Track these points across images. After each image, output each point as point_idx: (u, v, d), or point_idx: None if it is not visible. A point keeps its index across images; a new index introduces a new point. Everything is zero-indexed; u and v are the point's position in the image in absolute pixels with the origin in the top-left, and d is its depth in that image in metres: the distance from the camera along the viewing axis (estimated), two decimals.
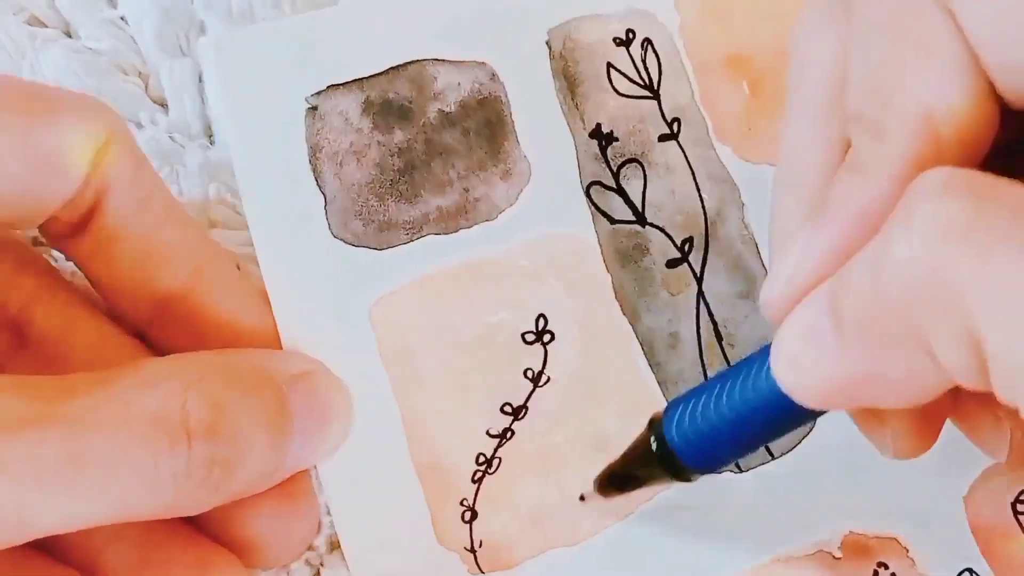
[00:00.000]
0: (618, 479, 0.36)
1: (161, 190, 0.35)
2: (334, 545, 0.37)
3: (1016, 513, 0.36)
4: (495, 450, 0.38)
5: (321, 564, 0.37)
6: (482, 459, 0.38)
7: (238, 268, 0.38)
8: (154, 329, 0.36)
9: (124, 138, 0.34)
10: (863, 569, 0.37)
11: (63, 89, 0.33)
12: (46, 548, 0.33)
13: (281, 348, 0.37)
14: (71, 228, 0.34)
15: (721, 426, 0.30)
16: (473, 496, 0.37)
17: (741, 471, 0.38)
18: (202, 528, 0.35)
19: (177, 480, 0.30)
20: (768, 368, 0.28)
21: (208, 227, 0.39)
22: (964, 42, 0.24)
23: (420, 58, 0.39)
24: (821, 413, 0.28)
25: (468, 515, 0.37)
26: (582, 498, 0.37)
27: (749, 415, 0.29)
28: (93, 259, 0.34)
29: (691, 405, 0.31)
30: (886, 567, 0.37)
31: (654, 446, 0.33)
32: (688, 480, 0.33)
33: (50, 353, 0.35)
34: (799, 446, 0.38)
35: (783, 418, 0.29)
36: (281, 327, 0.37)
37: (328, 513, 0.37)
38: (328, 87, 0.38)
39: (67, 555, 0.34)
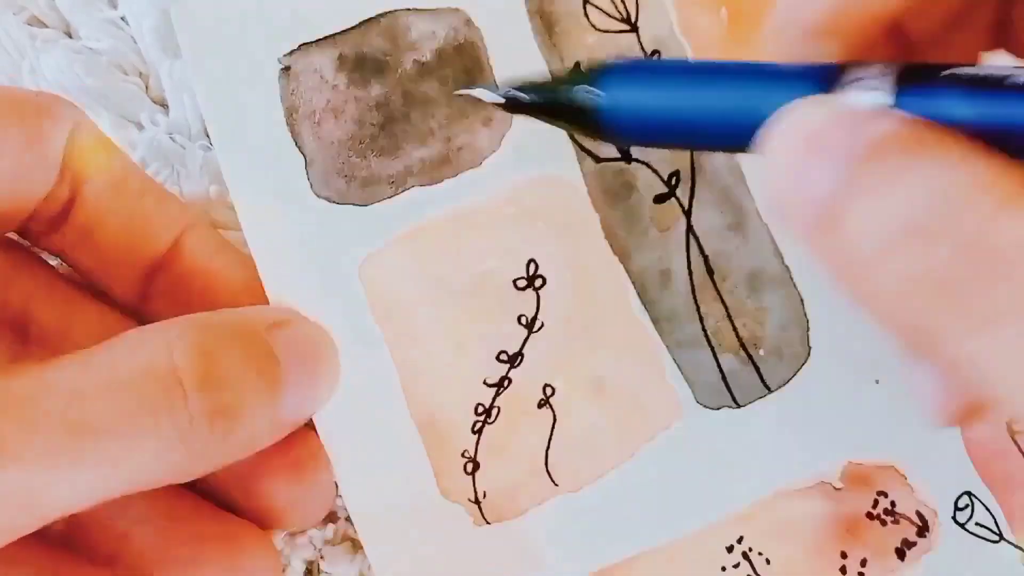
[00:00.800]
0: (528, 105, 0.30)
1: (134, 169, 0.35)
2: (331, 541, 0.37)
3: (1012, 433, 0.37)
4: (493, 399, 0.38)
5: (321, 557, 0.37)
6: (481, 409, 0.38)
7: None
8: (148, 303, 0.35)
9: (87, 127, 0.34)
10: (863, 498, 0.38)
11: (15, 88, 0.33)
12: (71, 544, 0.33)
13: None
14: (51, 222, 0.34)
15: (668, 103, 0.27)
16: (474, 447, 0.38)
17: (739, 406, 0.38)
18: (220, 502, 0.35)
19: (182, 435, 0.30)
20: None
21: None
22: None
23: (392, 9, 0.38)
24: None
25: (470, 466, 0.37)
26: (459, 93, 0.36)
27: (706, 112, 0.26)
28: (78, 248, 0.34)
29: (643, 69, 0.28)
30: (885, 495, 0.38)
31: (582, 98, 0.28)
32: (593, 138, 0.31)
33: (53, 349, 0.35)
34: (794, 378, 0.39)
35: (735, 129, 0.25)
36: (269, 292, 0.36)
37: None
38: (300, 46, 0.37)
39: (92, 544, 0.34)
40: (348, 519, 0.38)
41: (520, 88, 0.30)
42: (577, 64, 0.31)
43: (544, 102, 0.30)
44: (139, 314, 0.36)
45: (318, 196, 0.37)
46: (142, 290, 0.35)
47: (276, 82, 0.37)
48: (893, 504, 0.38)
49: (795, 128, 0.23)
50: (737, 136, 0.25)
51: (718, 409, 0.38)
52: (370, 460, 0.37)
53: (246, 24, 0.37)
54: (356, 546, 0.38)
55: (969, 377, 0.22)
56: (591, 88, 0.28)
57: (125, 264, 0.35)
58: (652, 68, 0.29)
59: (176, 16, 0.36)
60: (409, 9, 0.38)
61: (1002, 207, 0.20)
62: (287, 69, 0.37)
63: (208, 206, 0.38)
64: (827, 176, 0.22)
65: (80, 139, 0.33)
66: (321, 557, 0.37)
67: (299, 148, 0.37)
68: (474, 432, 0.38)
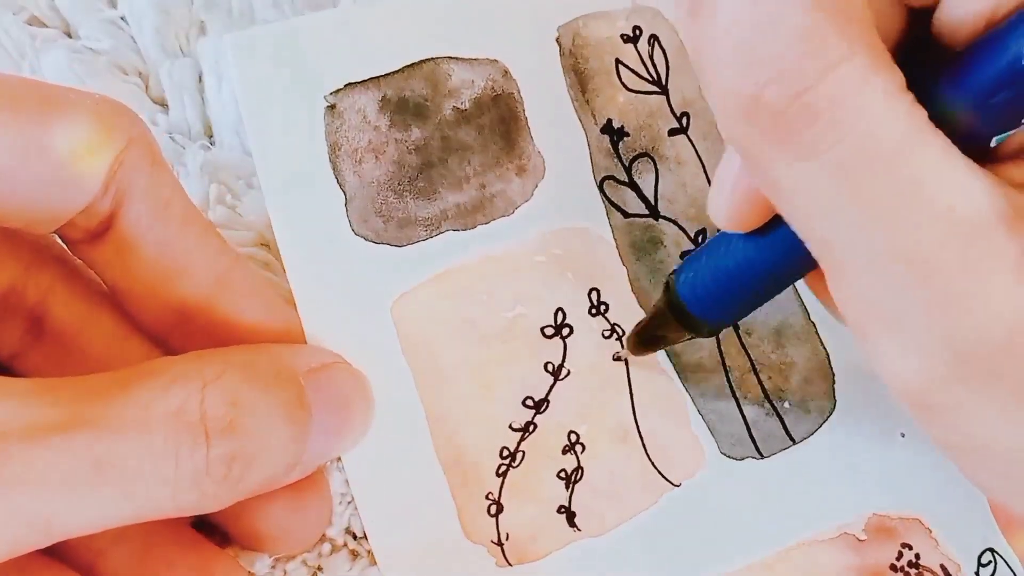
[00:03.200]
0: (644, 338, 0.37)
1: (180, 195, 0.34)
2: (335, 548, 0.37)
3: None
4: (518, 444, 0.38)
5: (319, 568, 0.37)
6: (506, 453, 0.38)
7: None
8: (176, 337, 0.35)
9: (143, 143, 0.33)
10: (887, 550, 0.38)
11: (83, 91, 0.32)
12: (47, 549, 0.33)
13: (304, 338, 0.36)
14: (89, 235, 0.33)
15: (723, 274, 0.32)
16: (498, 489, 0.38)
17: (763, 456, 0.39)
18: (214, 520, 0.35)
19: (198, 478, 0.30)
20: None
21: None
22: None
23: (434, 56, 0.39)
24: (813, 266, 0.28)
25: (494, 508, 0.37)
26: (617, 358, 0.39)
27: (747, 262, 0.31)
28: (112, 267, 0.34)
29: (698, 259, 0.33)
30: (910, 548, 0.38)
31: (665, 302, 0.34)
32: (702, 334, 0.34)
33: (67, 344, 0.35)
34: (819, 430, 0.39)
35: (778, 263, 0.30)
36: (305, 324, 0.37)
37: (340, 503, 0.37)
38: (346, 85, 0.38)
39: (67, 555, 0.33)
40: (347, 530, 0.37)
41: (637, 338, 0.38)
42: (664, 286, 0.34)
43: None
44: (165, 343, 0.36)
45: (356, 234, 0.38)
46: (173, 324, 0.35)
47: (322, 119, 0.38)
48: (918, 557, 0.38)
49: None
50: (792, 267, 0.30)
51: (742, 459, 0.39)
52: (395, 499, 0.37)
53: (297, 60, 0.38)
54: (355, 554, 0.37)
55: (781, 202, 0.26)
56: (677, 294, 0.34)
57: (157, 295, 0.34)
58: (700, 255, 0.33)
59: (232, 47, 0.37)
60: (450, 57, 0.39)
61: (841, 61, 0.23)
62: (332, 107, 0.38)
63: (207, 206, 0.39)
64: None
65: (130, 157, 0.32)
66: (319, 568, 0.37)
67: (340, 185, 0.38)
68: (498, 475, 0.38)
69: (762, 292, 0.32)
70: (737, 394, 0.39)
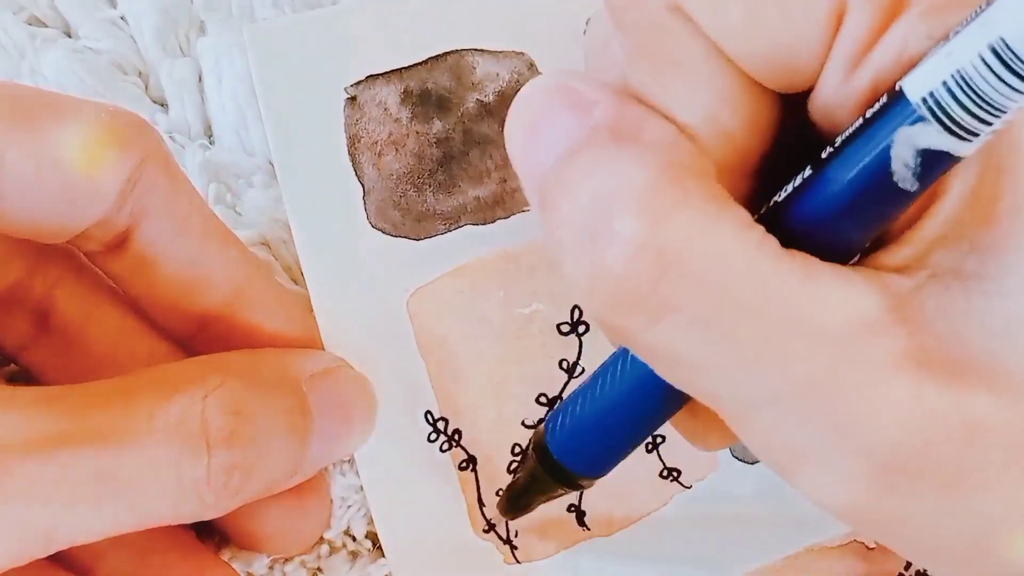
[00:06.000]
0: (517, 501, 0.34)
1: (199, 207, 0.34)
2: (333, 549, 0.37)
3: None
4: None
5: (319, 569, 0.37)
6: (518, 450, 0.38)
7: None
8: (198, 343, 0.35)
9: (159, 156, 0.33)
10: (896, 560, 0.38)
11: (97, 103, 0.32)
12: None
13: (322, 343, 0.37)
14: (106, 246, 0.33)
15: (594, 423, 0.30)
16: None
17: None
18: (212, 521, 0.35)
19: (198, 488, 0.30)
20: (630, 357, 0.28)
21: None
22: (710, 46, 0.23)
23: (459, 48, 0.39)
24: (687, 398, 0.27)
25: None
26: (492, 525, 0.38)
27: (617, 406, 0.29)
28: (132, 279, 0.34)
29: (566, 411, 0.31)
30: None
31: (535, 461, 0.32)
32: (580, 488, 0.32)
33: (71, 339, 0.35)
34: None
35: (649, 404, 0.29)
36: (319, 317, 0.37)
37: (340, 507, 0.37)
38: (367, 77, 0.38)
39: (65, 558, 0.34)
40: (347, 532, 0.38)
41: (509, 503, 0.35)
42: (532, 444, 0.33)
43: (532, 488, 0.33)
44: (188, 347, 0.36)
45: (373, 227, 0.37)
46: (194, 332, 0.35)
47: (341, 111, 0.37)
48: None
49: (523, 109, 0.25)
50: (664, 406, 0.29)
51: (754, 463, 0.38)
52: (406, 494, 0.37)
53: (316, 51, 0.37)
54: (354, 555, 0.37)
55: (659, 367, 0.25)
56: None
57: (178, 307, 0.34)
58: (568, 403, 0.31)
59: (249, 37, 0.37)
60: (476, 49, 0.39)
61: (676, 207, 0.22)
62: (353, 99, 0.37)
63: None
64: (542, 161, 0.24)
65: (146, 174, 0.32)
66: (319, 570, 0.37)
67: (358, 178, 0.37)
68: (510, 472, 0.38)
69: (640, 430, 0.30)
70: None
